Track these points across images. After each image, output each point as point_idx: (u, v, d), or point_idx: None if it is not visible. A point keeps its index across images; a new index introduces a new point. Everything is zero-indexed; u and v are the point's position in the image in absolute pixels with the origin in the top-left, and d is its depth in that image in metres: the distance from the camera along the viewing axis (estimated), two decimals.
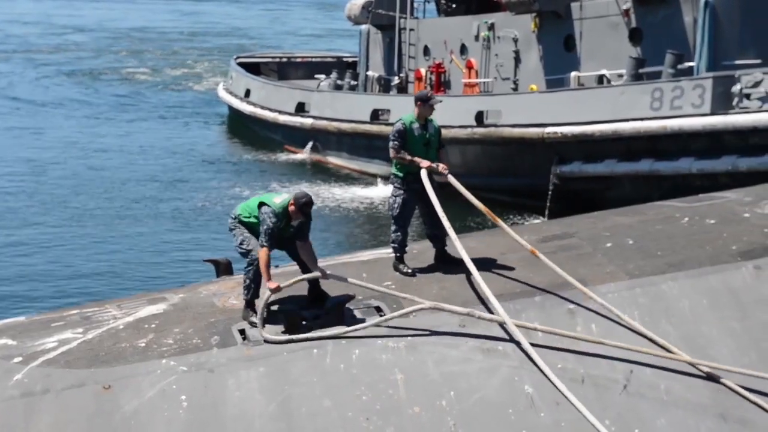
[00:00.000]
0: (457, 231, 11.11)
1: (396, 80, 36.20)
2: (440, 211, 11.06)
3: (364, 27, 38.03)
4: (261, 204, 10.07)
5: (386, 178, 32.92)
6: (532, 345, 9.64)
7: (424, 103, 11.41)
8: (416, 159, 11.20)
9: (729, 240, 11.48)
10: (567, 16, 29.25)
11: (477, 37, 32.36)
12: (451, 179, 11.33)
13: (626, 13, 27.66)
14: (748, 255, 11.08)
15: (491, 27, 31.81)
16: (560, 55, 29.53)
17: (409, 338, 9.59)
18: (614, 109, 25.55)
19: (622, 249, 11.38)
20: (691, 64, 25.94)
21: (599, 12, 28.40)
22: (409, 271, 11.19)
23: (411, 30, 35.55)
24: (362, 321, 9.73)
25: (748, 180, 19.18)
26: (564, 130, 26.61)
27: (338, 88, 38.71)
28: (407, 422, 8.92)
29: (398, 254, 11.37)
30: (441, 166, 11.30)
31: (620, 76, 27.30)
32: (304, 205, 9.96)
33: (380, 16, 36.62)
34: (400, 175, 11.38)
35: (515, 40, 30.83)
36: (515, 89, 30.85)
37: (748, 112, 23.39)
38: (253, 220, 10.12)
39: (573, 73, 28.68)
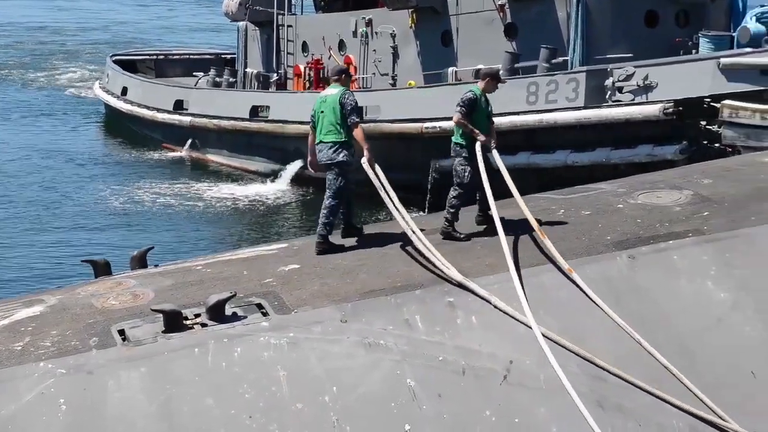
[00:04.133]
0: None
1: (275, 77, 36.05)
2: (487, 185, 11.78)
3: (241, 23, 37.78)
4: None
5: (268, 176, 32.90)
6: (414, 338, 9.71)
7: (493, 80, 12.36)
8: (476, 131, 12.05)
9: (604, 231, 11.70)
10: (444, 11, 29.48)
11: (355, 33, 32.42)
12: (495, 154, 12.27)
13: (501, 8, 27.99)
14: (623, 245, 11.31)
15: (369, 23, 31.88)
16: (437, 51, 29.74)
17: (291, 335, 9.57)
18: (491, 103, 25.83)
19: (501, 240, 11.49)
20: (565, 58, 26.38)
21: (475, 7, 28.68)
22: (462, 235, 11.83)
23: (289, 26, 35.43)
24: (244, 318, 9.68)
25: (622, 171, 19.62)
26: (443, 124, 26.78)
27: (217, 85, 38.42)
28: (290, 419, 8.92)
29: (453, 220, 11.98)
30: (493, 141, 12.24)
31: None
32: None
33: (258, 12, 36.42)
34: (464, 143, 12.18)
35: (393, 36, 30.96)
36: (394, 85, 30.98)
37: (621, 105, 23.89)
38: None
39: (450, 69, 28.93)
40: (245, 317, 9.73)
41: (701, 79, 23.13)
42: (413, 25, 30.19)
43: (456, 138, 12.32)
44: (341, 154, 12.13)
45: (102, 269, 11.77)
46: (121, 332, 9.51)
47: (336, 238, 12.04)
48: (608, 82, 24.17)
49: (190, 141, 36.23)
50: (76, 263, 18.52)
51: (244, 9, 37.00)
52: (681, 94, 23.17)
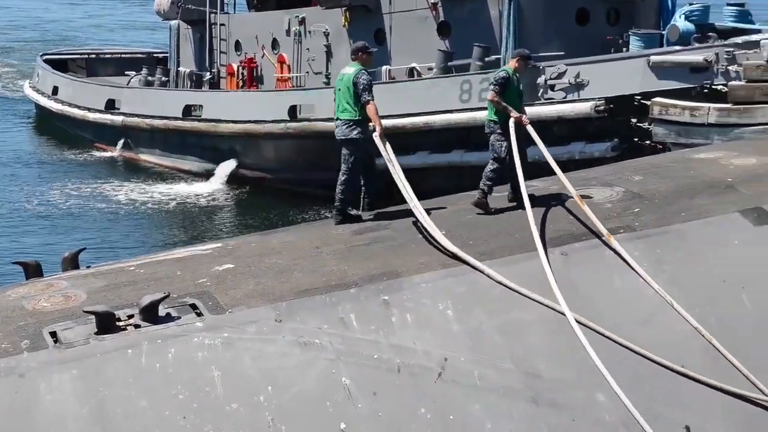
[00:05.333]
0: (276, 225, 11.15)
1: (208, 76, 35.89)
2: (518, 162, 12.27)
3: (173, 22, 37.57)
4: None
5: (201, 176, 32.73)
6: (349, 337, 9.72)
7: (525, 60, 13.15)
8: (509, 108, 12.64)
9: (538, 227, 11.77)
10: (377, 10, 29.51)
11: (288, 32, 32.36)
12: (530, 129, 12.75)
13: (434, 6, 28.07)
14: (556, 242, 11.40)
15: (302, 21, 31.85)
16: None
17: (225, 335, 9.53)
18: (425, 101, 25.92)
19: (436, 239, 11.54)
20: (498, 56, 26.50)
21: (408, 6, 28.74)
22: (492, 209, 12.53)
23: (222, 25, 35.28)
24: (178, 319, 9.62)
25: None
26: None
27: (149, 84, 38.17)
28: (225, 419, 8.88)
29: (488, 192, 12.65)
30: (525, 119, 12.71)
31: (430, 69, 27.71)
32: None
33: (190, 11, 36.24)
34: (498, 120, 12.80)
35: (326, 35, 30.94)
36: (327, 83, 30.94)
37: (553, 103, 24.06)
38: None
39: (384, 67, 28.95)
40: (179, 318, 9.66)
41: (632, 76, 23.37)
42: (346, 23, 30.18)
43: (490, 115, 13.00)
44: (354, 132, 12.95)
45: (33, 271, 11.61)
46: (53, 334, 9.40)
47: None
48: (540, 80, 24.33)
49: (122, 141, 35.97)
50: (7, 265, 18.28)
51: (176, 7, 36.82)
52: (612, 92, 23.40)
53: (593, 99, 23.51)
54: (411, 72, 28.53)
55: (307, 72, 31.91)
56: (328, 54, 31.16)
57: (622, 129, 23.51)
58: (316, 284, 10.32)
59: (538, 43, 26.12)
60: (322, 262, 11.00)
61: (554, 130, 23.93)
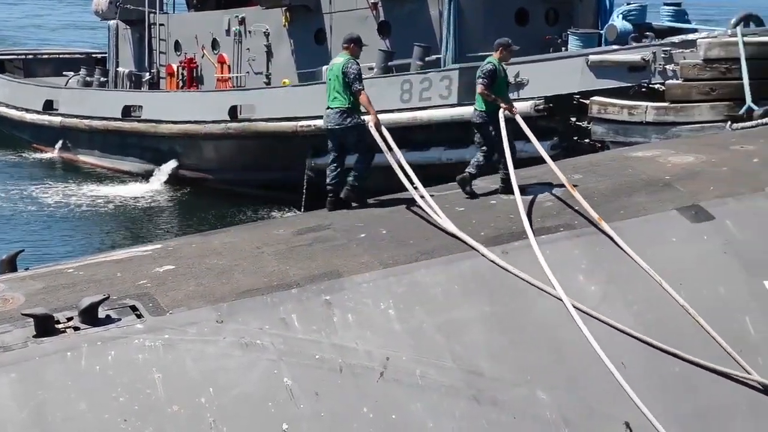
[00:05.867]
0: (217, 225, 11.11)
1: (147, 76, 35.67)
2: (508, 152, 12.74)
3: (112, 22, 37.28)
4: None
5: (141, 176, 32.52)
6: (291, 337, 9.71)
7: (506, 49, 13.47)
8: (499, 99, 13.16)
9: (478, 226, 11.83)
10: (317, 9, 29.50)
11: (228, 32, 32.26)
12: (519, 119, 13.28)
13: (374, 6, 28.13)
14: (496, 240, 11.46)
15: (242, 21, 31.76)
16: (311, 49, 29.75)
17: (166, 337, 9.47)
18: None
19: (376, 239, 11.57)
20: (438, 56, 26.61)
21: (348, 5, 28.77)
22: (475, 195, 12.97)
23: (161, 25, 35.08)
24: (118, 321, 9.55)
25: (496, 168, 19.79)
26: (318, 123, 26.74)
27: (87, 84, 37.88)
28: (166, 421, 8.83)
29: (476, 175, 13.24)
30: (514, 108, 13.24)
31: (370, 68, 27.71)
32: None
33: (129, 11, 35.99)
34: (487, 110, 13.21)
35: (266, 35, 30.87)
36: (268, 83, 30.91)
37: None
38: None
39: (324, 67, 28.78)
40: (119, 320, 9.59)
41: (571, 76, 23.55)
42: (287, 23, 30.15)
43: (479, 106, 13.37)
44: (348, 120, 13.20)
45: None
46: None
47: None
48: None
49: (61, 142, 35.68)
50: None
51: (114, 7, 36.53)
52: (551, 91, 23.56)
53: (533, 98, 23.66)
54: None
55: (248, 72, 31.82)
56: (269, 54, 31.09)
57: (561, 128, 23.69)
58: (257, 285, 10.29)
59: (478, 43, 26.24)
60: (264, 262, 10.97)
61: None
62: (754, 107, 21.06)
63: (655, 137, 21.81)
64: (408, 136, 25.25)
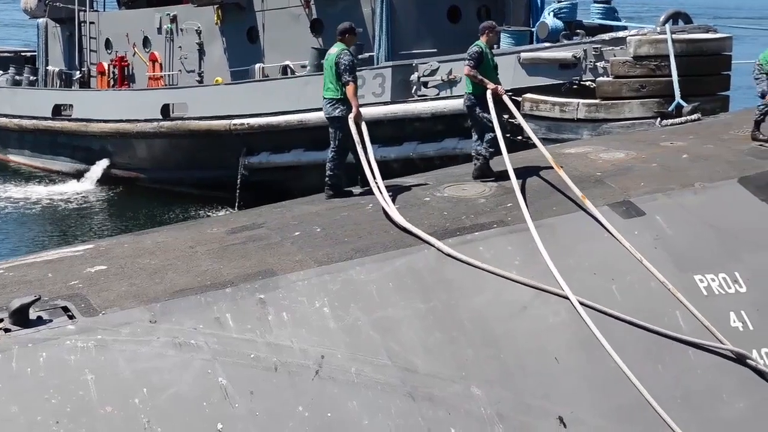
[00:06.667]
0: (149, 225, 11.03)
1: (78, 75, 35.32)
2: (499, 132, 13.08)
3: (41, 20, 36.85)
4: None
5: (72, 176, 32.20)
6: (225, 337, 9.66)
7: (491, 31, 13.87)
8: (485, 80, 13.40)
9: (412, 224, 11.84)
10: (249, 8, 29.42)
11: (160, 30, 32.06)
12: (506, 99, 13.66)
13: (307, 4, 28.10)
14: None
15: (174, 19, 31.58)
16: (244, 47, 29.66)
17: (99, 337, 9.38)
18: (299, 99, 25.92)
19: (311, 237, 11.56)
20: (371, 54, 26.63)
21: (280, 3, 28.71)
22: (495, 174, 13.36)
23: (91, 23, 34.75)
24: (49, 322, 9.44)
25: (428, 165, 19.92)
26: (250, 121, 26.77)
27: (17, 83, 37.40)
28: (99, 423, 8.74)
29: (490, 158, 13.52)
30: (500, 89, 13.51)
31: (303, 66, 27.71)
32: None
33: (58, 9, 35.61)
34: (477, 94, 13.52)
35: (199, 33, 30.73)
36: (200, 82, 30.76)
37: (426, 100, 24.27)
38: None
39: (257, 65, 28.88)
40: (51, 321, 9.47)
41: (503, 73, 23.42)
42: (219, 21, 30.03)
43: (467, 89, 13.73)
44: (337, 110, 13.35)
45: None
46: None
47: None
48: (413, 77, 24.54)
49: None
50: None
51: (43, 5, 36.13)
52: None
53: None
54: (285, 70, 28.50)
55: (180, 70, 31.64)
56: (201, 52, 30.95)
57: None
58: (190, 284, 10.23)
59: (411, 41, 26.36)
60: (197, 261, 10.90)
61: (428, 127, 24.17)
62: (683, 104, 21.38)
63: (586, 134, 22.04)
64: None
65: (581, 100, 22.79)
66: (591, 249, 11.67)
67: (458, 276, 11.00)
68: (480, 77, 13.49)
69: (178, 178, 29.48)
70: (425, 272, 10.98)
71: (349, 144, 13.34)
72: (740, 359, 11.05)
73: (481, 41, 13.74)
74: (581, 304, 10.85)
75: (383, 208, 12.15)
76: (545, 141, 22.41)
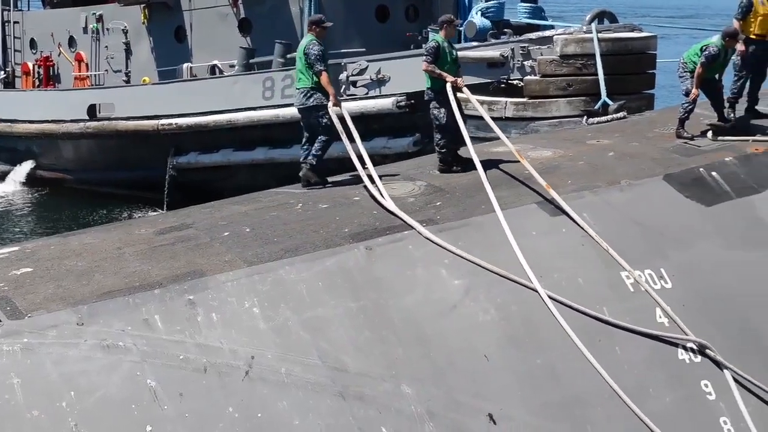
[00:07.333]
0: (76, 226, 10.91)
1: (2, 75, 34.86)
2: (461, 121, 13.35)
3: None
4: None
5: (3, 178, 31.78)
6: (154, 338, 9.59)
7: (449, 25, 13.95)
8: (444, 74, 13.53)
9: (342, 223, 11.86)
10: (176, 7, 29.23)
11: (86, 30, 31.74)
12: (466, 91, 13.99)
13: (235, 3, 27.99)
14: (360, 237, 11.50)
15: (100, 19, 31.29)
16: (172, 47, 29.47)
17: (25, 341, 9.27)
18: (228, 99, 25.81)
19: (240, 237, 11.51)
20: None
21: (208, 2, 28.58)
22: (459, 168, 13.62)
23: (16, 23, 34.32)
24: None
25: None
26: (179, 121, 26.60)
27: None
28: (26, 427, 8.64)
29: (446, 157, 13.83)
30: (460, 81, 13.67)
31: (232, 66, 27.60)
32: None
33: None
34: (436, 88, 13.70)
35: (125, 32, 30.48)
36: (127, 81, 30.51)
37: (355, 99, 24.27)
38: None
39: (185, 64, 28.69)
40: None
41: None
42: (146, 20, 29.81)
43: (427, 84, 13.85)
44: (311, 99, 13.59)
45: None
46: None
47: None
48: (342, 76, 24.51)
49: None
50: None
51: None
52: (412, 88, 23.68)
53: (395, 94, 23.83)
54: (213, 69, 28.36)
55: (107, 70, 31.36)
56: (128, 52, 30.71)
57: (423, 124, 23.85)
58: (118, 286, 10.14)
59: (339, 40, 26.33)
60: (125, 263, 10.81)
61: (357, 126, 24.13)
62: (609, 102, 21.60)
63: (514, 132, 22.15)
64: (271, 134, 25.22)
65: (509, 99, 22.94)
66: (519, 246, 11.73)
67: (388, 275, 11.02)
68: (438, 71, 13.61)
69: (105, 179, 29.21)
70: (355, 271, 10.98)
71: (333, 132, 13.57)
72: (666, 354, 11.20)
73: (439, 36, 13.86)
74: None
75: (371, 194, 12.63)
76: (474, 140, 22.54)
